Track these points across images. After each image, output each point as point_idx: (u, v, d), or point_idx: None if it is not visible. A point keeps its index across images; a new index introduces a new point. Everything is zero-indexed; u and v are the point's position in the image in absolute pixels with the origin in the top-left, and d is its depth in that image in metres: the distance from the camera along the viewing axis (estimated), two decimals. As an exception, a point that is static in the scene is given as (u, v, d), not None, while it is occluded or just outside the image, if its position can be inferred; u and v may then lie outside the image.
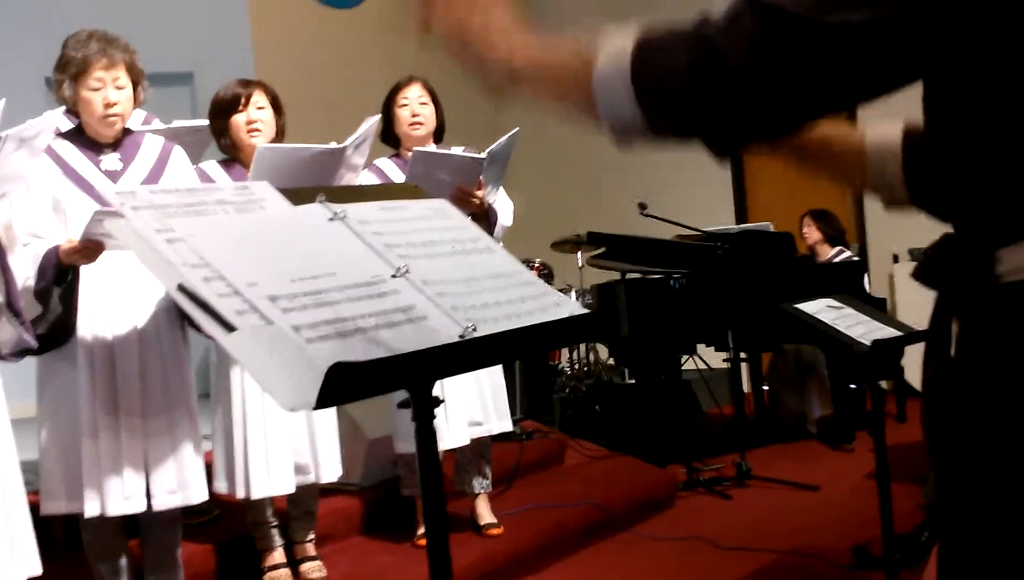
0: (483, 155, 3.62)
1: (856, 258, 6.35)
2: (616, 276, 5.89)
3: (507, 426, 3.93)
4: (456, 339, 1.20)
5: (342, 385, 1.06)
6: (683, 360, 6.21)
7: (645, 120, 1.00)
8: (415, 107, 3.88)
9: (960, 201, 1.00)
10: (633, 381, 6.59)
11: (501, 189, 3.95)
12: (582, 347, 6.88)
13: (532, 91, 1.11)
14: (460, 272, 1.34)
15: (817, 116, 1.01)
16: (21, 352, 2.92)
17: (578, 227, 6.47)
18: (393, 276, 1.27)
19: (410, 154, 3.66)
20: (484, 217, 3.72)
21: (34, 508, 3.05)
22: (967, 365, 0.97)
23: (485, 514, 4.02)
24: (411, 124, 3.87)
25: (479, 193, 3.63)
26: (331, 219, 1.32)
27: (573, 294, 6.60)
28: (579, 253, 6.66)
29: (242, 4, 7.13)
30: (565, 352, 6.82)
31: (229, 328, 1.08)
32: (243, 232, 1.23)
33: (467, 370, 1.20)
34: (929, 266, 1.06)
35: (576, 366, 6.82)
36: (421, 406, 1.24)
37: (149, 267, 1.14)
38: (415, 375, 1.21)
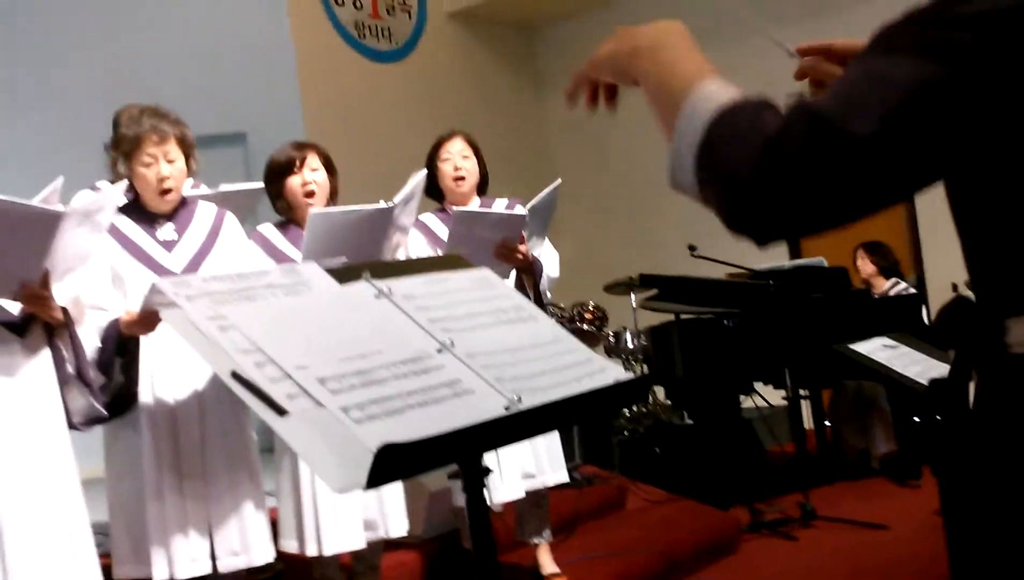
0: (524, 211, 3.66)
1: (913, 290, 6.27)
2: (670, 317, 5.87)
3: (562, 478, 3.93)
4: (502, 412, 1.22)
5: (392, 464, 1.09)
6: (742, 399, 6.16)
7: (698, 191, 1.02)
8: (457, 161, 3.93)
9: (974, 268, 1.03)
10: (691, 422, 6.55)
11: (547, 241, 3.98)
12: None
13: (644, 87, 1.13)
14: (504, 342, 1.37)
15: (856, 217, 1.00)
16: (92, 420, 3.01)
17: (630, 270, 6.48)
18: (439, 351, 1.30)
19: (453, 209, 3.71)
20: (529, 271, 3.75)
21: (106, 571, 3.13)
22: (983, 420, 1.00)
23: (547, 563, 4.01)
24: (454, 178, 3.92)
25: (522, 248, 3.66)
26: (377, 296, 1.35)
27: (628, 336, 6.60)
28: (632, 295, 6.66)
29: (290, 63, 7.29)
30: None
31: (281, 412, 1.12)
32: (292, 315, 1.27)
33: (515, 441, 1.22)
34: (942, 327, 1.10)
35: (634, 408, 6.80)
36: (471, 477, 1.26)
37: (203, 355, 1.18)
38: (463, 450, 1.23)
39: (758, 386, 6.23)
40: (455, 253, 3.52)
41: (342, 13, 7.74)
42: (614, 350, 6.62)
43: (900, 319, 5.23)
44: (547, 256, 3.98)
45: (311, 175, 3.52)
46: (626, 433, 6.34)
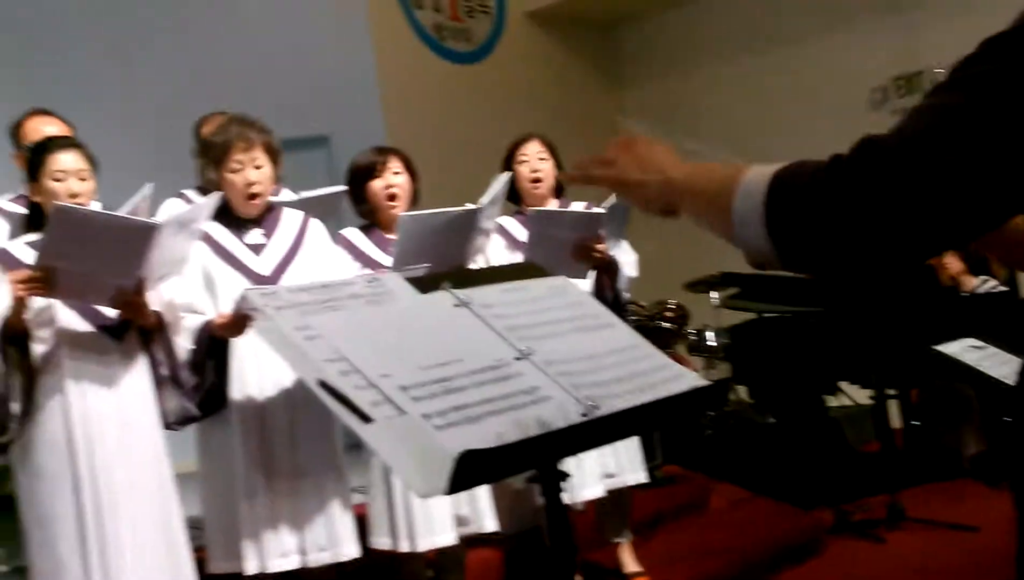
0: (602, 209, 3.67)
1: (1004, 287, 6.11)
2: (753, 316, 5.83)
3: (641, 478, 3.94)
4: (579, 419, 1.25)
5: (472, 470, 1.13)
6: (825, 398, 6.08)
7: (777, 255, 1.07)
8: (534, 163, 3.96)
9: None
10: (774, 421, 6.48)
11: (625, 242, 3.99)
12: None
13: (686, 209, 1.20)
14: (581, 349, 1.40)
15: (946, 245, 1.07)
16: (184, 420, 3.13)
17: (711, 268, 6.44)
18: (517, 358, 1.33)
19: (531, 210, 3.75)
20: (608, 270, 3.76)
21: (200, 564, 3.24)
22: None
23: (629, 563, 4.03)
24: (531, 181, 3.95)
25: (600, 247, 3.67)
26: (456, 305, 1.39)
27: (710, 334, 6.56)
28: (714, 294, 6.62)
29: (371, 66, 7.40)
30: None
31: (366, 419, 1.16)
32: (375, 324, 1.31)
33: (591, 447, 1.24)
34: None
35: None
36: (548, 483, 1.29)
37: (290, 363, 1.23)
38: (540, 456, 1.27)
39: (843, 385, 6.14)
40: (534, 254, 3.57)
41: (422, 16, 7.83)
42: (696, 349, 6.59)
43: (990, 317, 5.11)
44: (625, 257, 4.00)
45: (393, 179, 3.57)
46: (709, 432, 6.31)
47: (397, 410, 1.18)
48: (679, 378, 1.41)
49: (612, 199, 3.72)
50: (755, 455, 5.88)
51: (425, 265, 3.13)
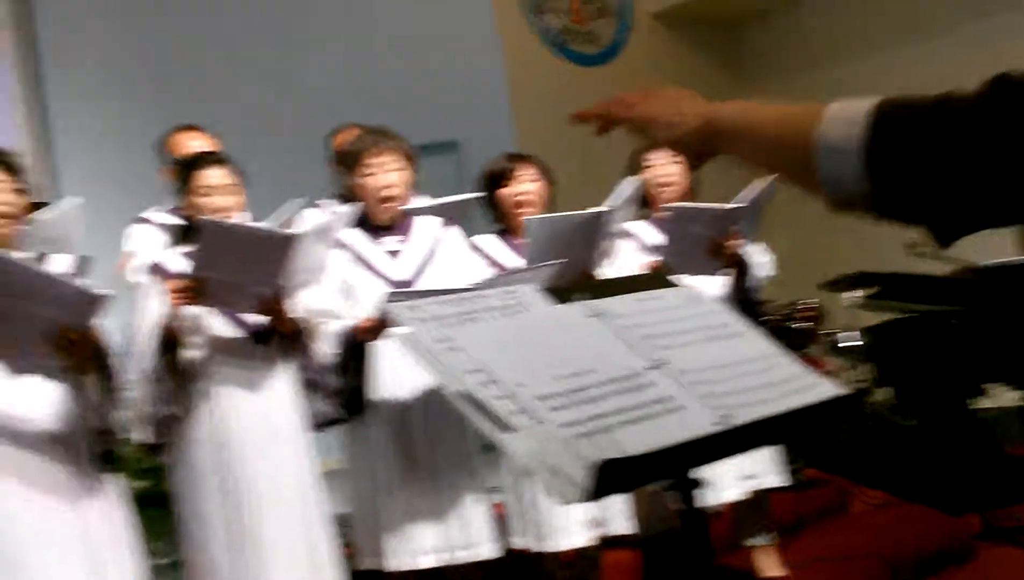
0: (738, 204, 3.64)
1: None
2: (893, 315, 5.66)
3: (780, 481, 3.89)
4: (712, 429, 1.26)
5: (608, 479, 1.15)
6: (972, 399, 5.86)
7: (872, 194, 0.98)
8: (662, 169, 3.94)
9: None
10: (917, 423, 6.28)
11: (759, 244, 3.94)
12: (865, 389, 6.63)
13: (734, 147, 1.13)
14: (714, 359, 1.40)
15: None
16: (328, 422, 3.25)
17: (848, 266, 6.28)
18: (650, 368, 1.35)
19: (659, 215, 3.74)
20: (741, 268, 3.73)
21: (348, 561, 3.36)
22: None
23: (767, 567, 3.98)
24: (659, 185, 3.93)
25: (735, 243, 3.64)
26: (590, 315, 1.42)
27: (848, 335, 6.39)
28: (852, 292, 6.45)
29: (499, 71, 7.48)
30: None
31: (505, 428, 1.20)
32: (512, 335, 1.35)
33: (725, 457, 1.26)
34: None
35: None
36: (683, 492, 1.30)
37: (432, 374, 1.28)
38: (675, 465, 1.28)
39: (991, 386, 5.91)
40: (671, 249, 3.56)
41: (547, 20, 7.88)
42: (833, 350, 6.44)
43: None
44: (760, 257, 3.95)
45: (525, 186, 3.62)
46: (849, 435, 6.16)
47: (535, 419, 1.21)
48: (815, 387, 1.40)
49: (749, 194, 3.68)
50: (898, 459, 5.71)
51: (560, 261, 3.15)
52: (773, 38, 8.82)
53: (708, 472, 3.43)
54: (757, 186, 3.71)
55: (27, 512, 2.59)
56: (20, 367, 2.61)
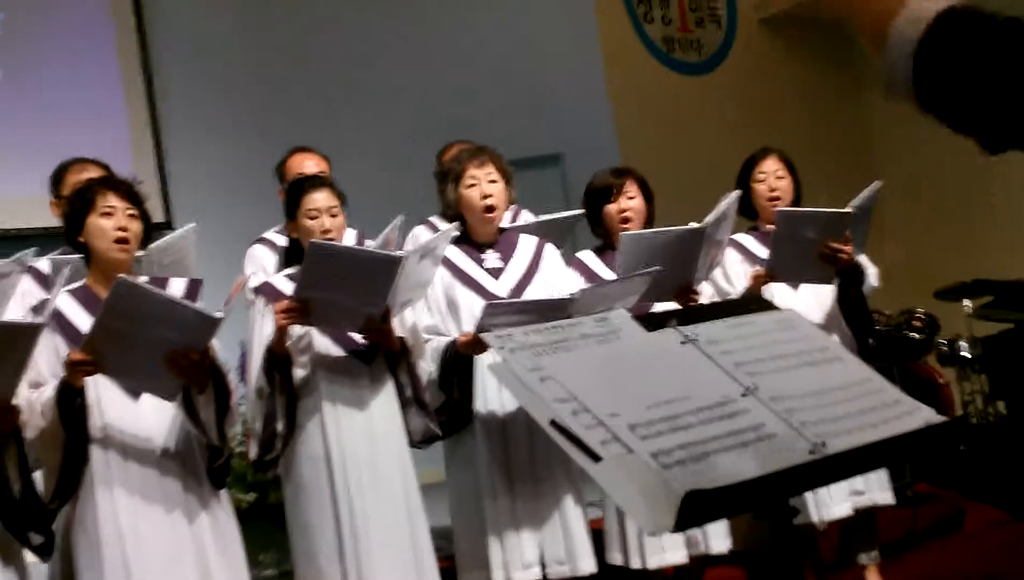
0: (850, 209, 3.57)
1: None
2: (1009, 325, 5.48)
3: (888, 499, 3.78)
4: (806, 458, 1.26)
5: (698, 508, 1.16)
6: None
7: (916, 97, 1.00)
8: (772, 182, 3.87)
9: None
10: (1038, 437, 6.05)
11: (864, 255, 3.86)
12: (979, 400, 6.43)
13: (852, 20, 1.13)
14: (809, 385, 1.40)
15: None
16: (429, 439, 3.31)
17: (962, 274, 6.11)
18: (743, 395, 1.35)
19: (768, 227, 3.70)
20: (853, 274, 3.66)
21: (447, 573, 3.41)
22: None
23: (876, 586, 3.89)
24: (768, 198, 3.87)
25: (847, 248, 3.57)
26: (683, 342, 1.42)
27: (962, 345, 6.21)
28: (966, 302, 6.27)
29: (600, 82, 7.48)
30: (959, 407, 6.40)
31: (595, 458, 1.22)
32: (603, 363, 1.37)
33: (820, 486, 1.25)
34: None
35: (972, 422, 6.38)
36: (777, 520, 1.30)
37: (523, 402, 1.31)
38: (767, 494, 1.28)
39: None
40: (780, 255, 3.52)
41: (651, 29, 7.85)
42: (947, 360, 6.26)
43: None
44: (867, 268, 3.86)
45: (628, 202, 3.62)
46: (963, 449, 5.97)
47: (625, 448, 1.23)
48: (913, 414, 1.38)
49: (857, 199, 3.62)
50: (1015, 474, 5.51)
51: (651, 270, 3.15)
52: (890, 36, 8.60)
53: (815, 490, 3.35)
54: (864, 193, 3.64)
55: (146, 526, 2.71)
56: (141, 387, 2.73)
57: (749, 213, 3.97)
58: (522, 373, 1.30)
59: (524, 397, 1.30)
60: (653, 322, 1.45)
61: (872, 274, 3.87)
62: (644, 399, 1.31)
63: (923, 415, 1.38)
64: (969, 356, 6.16)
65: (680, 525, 1.15)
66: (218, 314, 2.59)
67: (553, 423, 1.25)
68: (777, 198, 3.86)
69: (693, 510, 1.15)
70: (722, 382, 1.37)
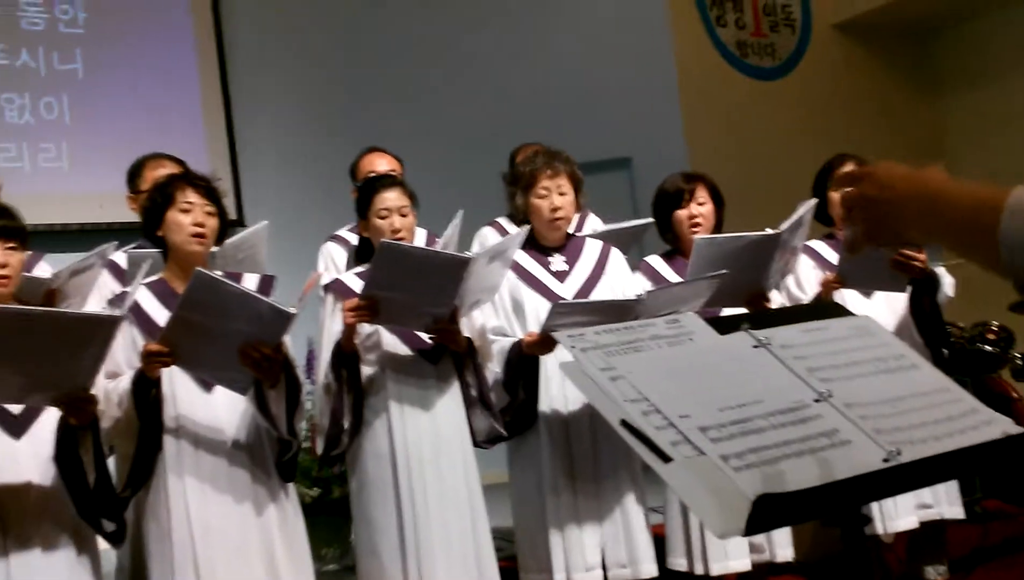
0: None
1: None
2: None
3: (958, 513, 3.71)
4: (880, 465, 1.24)
5: (769, 513, 1.15)
6: None
7: None
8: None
9: None
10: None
11: (941, 265, 3.79)
12: (1054, 416, 6.27)
13: (929, 231, 1.11)
14: (884, 392, 1.37)
15: None
16: (493, 439, 3.32)
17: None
18: (816, 401, 1.33)
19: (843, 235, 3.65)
20: (927, 284, 3.60)
21: (508, 573, 3.42)
22: None
23: (944, 602, 3.82)
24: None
25: (921, 256, 3.51)
26: (755, 346, 1.41)
27: (1038, 359, 6.06)
28: (1043, 315, 6.11)
29: (672, 86, 7.44)
30: (1033, 422, 6.24)
31: (665, 459, 1.22)
32: (675, 365, 1.36)
33: (893, 494, 1.23)
34: None
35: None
36: (849, 529, 1.28)
37: (594, 402, 1.31)
38: (840, 501, 1.26)
39: None
40: (851, 264, 3.47)
41: (724, 33, 7.79)
42: (1021, 374, 6.11)
43: None
44: (943, 277, 3.79)
45: (698, 209, 3.60)
46: (1037, 465, 5.82)
47: (696, 450, 1.22)
48: (990, 424, 1.36)
49: None
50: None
51: (720, 272, 3.14)
52: (966, 46, 8.43)
53: (884, 500, 3.30)
54: None
55: (215, 516, 2.76)
56: (215, 380, 2.78)
57: (825, 220, 3.91)
58: (593, 372, 1.31)
59: (595, 396, 1.30)
60: (725, 325, 1.44)
61: (948, 284, 3.79)
62: (715, 402, 1.30)
63: (1001, 426, 1.35)
64: (1044, 371, 6.01)
65: (750, 529, 1.14)
66: (292, 309, 2.62)
67: (624, 423, 1.25)
68: (855, 206, 3.79)
69: (763, 514, 1.14)
70: (795, 387, 1.36)
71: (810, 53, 8.14)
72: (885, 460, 1.26)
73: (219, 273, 2.75)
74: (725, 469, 1.20)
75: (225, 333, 2.63)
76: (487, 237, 4.15)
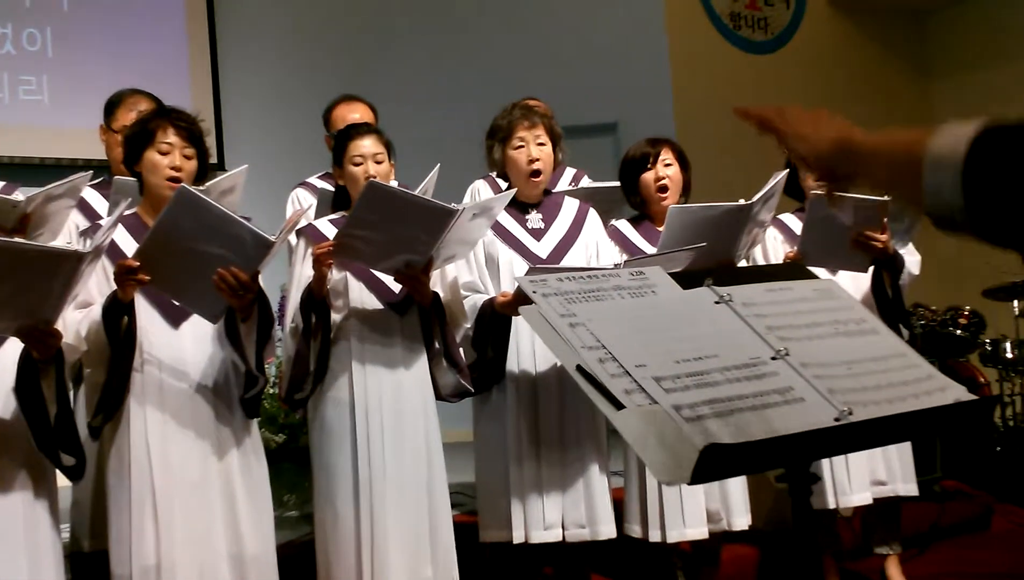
0: (887, 197, 3.49)
1: None
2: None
3: (912, 490, 3.72)
4: (831, 423, 1.25)
5: (717, 463, 1.16)
6: None
7: (967, 215, 0.97)
8: (820, 162, 3.81)
9: None
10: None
11: (910, 244, 3.78)
12: (1018, 402, 6.34)
13: (863, 168, 1.13)
14: (841, 354, 1.39)
15: None
16: (459, 394, 3.30)
17: (1013, 274, 6.00)
18: (773, 358, 1.34)
19: (811, 196, 3.65)
20: (890, 264, 3.59)
21: (470, 529, 3.43)
22: None
23: (896, 576, 3.86)
24: (817, 180, 3.81)
25: (882, 237, 3.51)
26: (717, 302, 1.42)
27: (1007, 346, 6.12)
28: (1016, 302, 6.16)
29: (663, 54, 7.41)
30: (998, 407, 6.31)
31: (618, 405, 1.22)
32: (636, 316, 1.37)
33: (843, 453, 1.24)
34: None
35: (1010, 423, 6.29)
36: (797, 484, 1.30)
37: (551, 347, 1.31)
38: (788, 456, 1.27)
39: None
40: (810, 240, 3.48)
41: (718, 4, 7.75)
42: (989, 360, 6.17)
43: None
44: (908, 255, 3.78)
45: (664, 170, 3.58)
46: (999, 449, 5.89)
47: (649, 399, 1.23)
48: (944, 390, 1.37)
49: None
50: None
51: (696, 246, 3.13)
52: (958, 28, 8.43)
53: (837, 474, 3.35)
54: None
55: (176, 453, 2.74)
56: (188, 305, 2.74)
57: (795, 194, 3.90)
58: (553, 318, 1.31)
59: (553, 342, 1.30)
60: (688, 280, 1.45)
61: (913, 262, 3.78)
62: (672, 354, 1.31)
63: (954, 392, 1.37)
64: (1012, 357, 6.07)
65: (697, 478, 1.15)
66: (272, 237, 2.59)
67: (579, 369, 1.26)
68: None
69: (710, 464, 1.15)
70: (753, 344, 1.37)
71: (803, 28, 8.11)
72: (836, 419, 1.27)
73: (202, 189, 2.71)
74: (676, 418, 1.20)
75: (203, 255, 2.58)
76: (481, 190, 4.11)
